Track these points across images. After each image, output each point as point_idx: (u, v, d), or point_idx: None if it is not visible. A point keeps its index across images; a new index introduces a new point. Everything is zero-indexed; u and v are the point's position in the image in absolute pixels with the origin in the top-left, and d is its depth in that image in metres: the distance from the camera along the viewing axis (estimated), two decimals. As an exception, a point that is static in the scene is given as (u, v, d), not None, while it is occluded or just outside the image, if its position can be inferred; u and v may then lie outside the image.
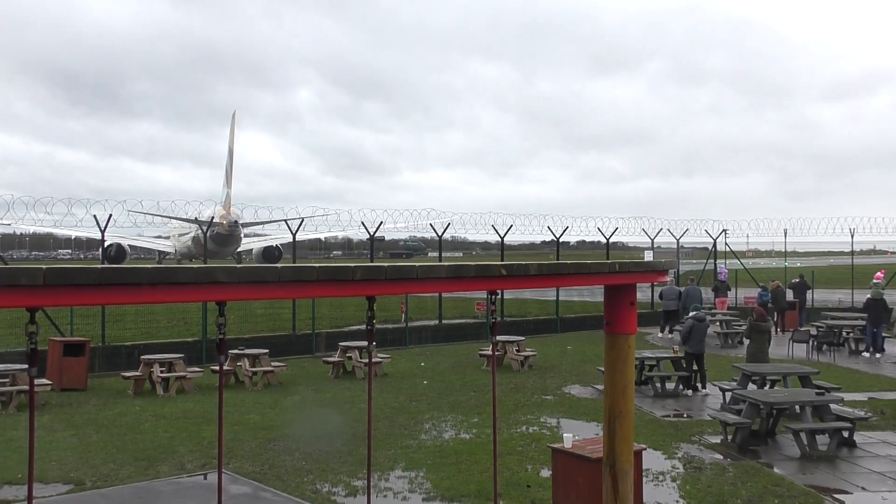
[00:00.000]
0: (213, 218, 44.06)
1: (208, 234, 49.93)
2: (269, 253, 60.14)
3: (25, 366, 16.96)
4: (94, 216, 25.23)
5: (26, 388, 16.73)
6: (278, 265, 4.60)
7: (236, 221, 48.09)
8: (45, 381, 17.54)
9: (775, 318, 31.05)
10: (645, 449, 10.71)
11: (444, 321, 30.30)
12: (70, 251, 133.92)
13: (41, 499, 10.71)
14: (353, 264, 4.81)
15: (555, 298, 33.15)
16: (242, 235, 51.61)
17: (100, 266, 4.11)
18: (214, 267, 4.23)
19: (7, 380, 17.04)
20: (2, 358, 19.31)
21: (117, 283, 4.10)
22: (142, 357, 19.53)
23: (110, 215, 24.22)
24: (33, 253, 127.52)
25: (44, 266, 3.92)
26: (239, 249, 62.77)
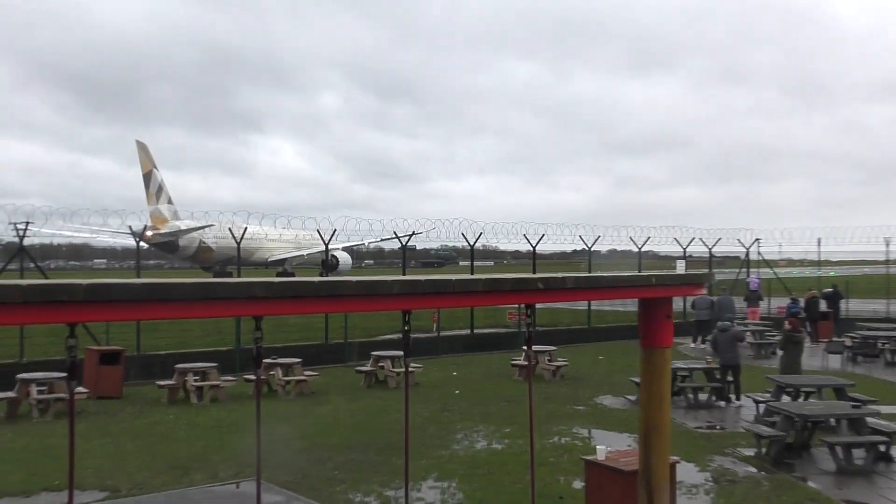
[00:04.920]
0: (144, 230, 49.33)
1: (153, 245, 55.51)
2: (327, 262, 62.32)
3: (63, 374, 17.37)
4: (129, 227, 25.69)
5: (64, 396, 16.99)
6: (315, 279, 4.63)
7: (159, 233, 55.48)
8: (81, 389, 17.75)
9: (808, 329, 30.68)
10: (678, 461, 10.62)
11: (475, 331, 30.28)
12: (105, 261, 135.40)
13: (78, 507, 10.84)
14: (389, 278, 4.83)
15: (586, 308, 32.99)
16: (180, 243, 58.69)
17: (139, 282, 4.16)
18: (252, 282, 4.27)
19: (45, 388, 17.27)
20: (40, 366, 19.61)
21: (155, 299, 4.16)
22: (176, 366, 19.69)
23: (146, 226, 24.60)
24: (70, 263, 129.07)
25: (83, 282, 3.97)
26: (284, 257, 65.56)
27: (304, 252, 63.42)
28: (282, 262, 65.53)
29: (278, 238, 59.62)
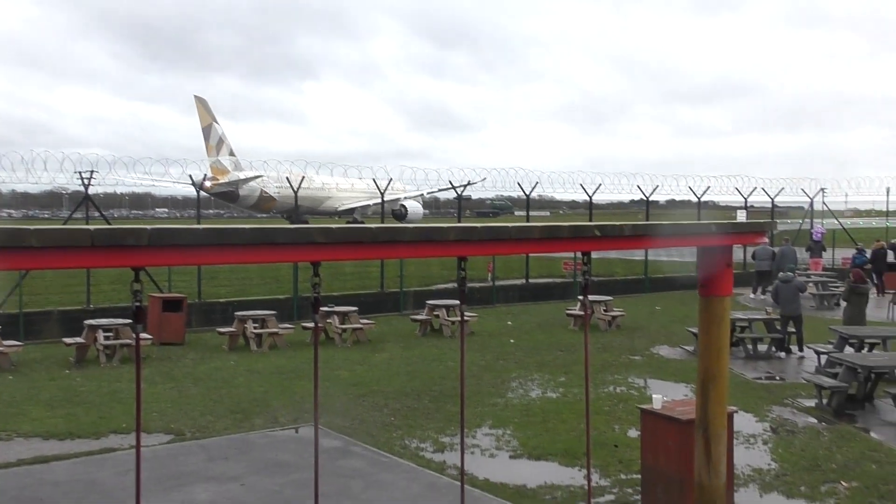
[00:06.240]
0: (203, 179, 50.69)
1: (214, 195, 57.11)
2: (396, 212, 63.16)
3: (128, 320, 17.82)
4: (190, 176, 26.10)
5: (129, 341, 17.46)
6: (372, 226, 4.65)
7: (218, 183, 56.71)
8: (145, 335, 18.20)
9: (874, 280, 30.04)
10: (736, 411, 10.54)
11: (530, 280, 30.25)
12: (167, 210, 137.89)
13: (145, 447, 11.19)
14: (446, 224, 4.83)
15: (642, 258, 32.66)
16: (240, 192, 60.81)
17: (202, 227, 4.23)
18: (311, 228, 4.31)
19: (111, 334, 17.76)
20: (105, 313, 20.14)
21: (218, 244, 4.22)
22: (236, 313, 20.08)
23: (205, 175, 24.96)
24: (132, 212, 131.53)
25: (149, 227, 4.05)
26: (353, 206, 66.82)
27: (372, 202, 64.04)
28: (351, 211, 66.31)
29: (348, 188, 60.18)
